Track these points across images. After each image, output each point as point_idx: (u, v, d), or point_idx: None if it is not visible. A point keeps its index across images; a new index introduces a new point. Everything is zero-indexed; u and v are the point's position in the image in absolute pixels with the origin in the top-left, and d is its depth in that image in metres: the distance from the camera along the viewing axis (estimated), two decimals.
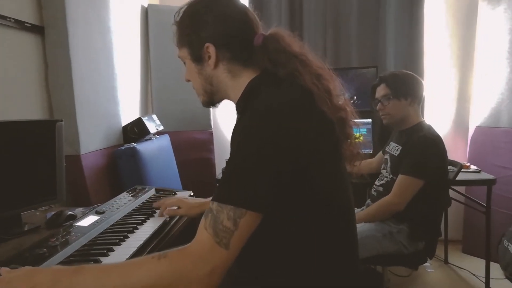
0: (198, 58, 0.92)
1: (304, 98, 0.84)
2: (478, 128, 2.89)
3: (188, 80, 1.00)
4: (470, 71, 2.97)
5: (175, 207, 1.32)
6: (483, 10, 2.83)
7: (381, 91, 1.90)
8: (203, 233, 0.74)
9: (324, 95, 0.85)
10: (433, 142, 1.74)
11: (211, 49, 0.90)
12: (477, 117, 2.90)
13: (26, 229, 1.26)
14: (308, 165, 0.79)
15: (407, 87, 1.84)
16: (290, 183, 0.77)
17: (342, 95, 0.93)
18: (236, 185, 0.75)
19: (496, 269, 2.28)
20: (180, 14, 0.94)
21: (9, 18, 1.55)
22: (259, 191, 0.74)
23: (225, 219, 0.73)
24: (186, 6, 0.94)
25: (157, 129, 2.47)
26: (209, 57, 0.91)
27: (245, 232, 0.74)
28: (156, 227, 1.17)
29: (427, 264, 1.90)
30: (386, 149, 2.00)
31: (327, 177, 0.84)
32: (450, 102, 3.05)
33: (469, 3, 2.92)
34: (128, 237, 1.08)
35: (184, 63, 0.98)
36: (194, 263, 0.72)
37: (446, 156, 1.79)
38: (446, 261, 2.79)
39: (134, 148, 2.07)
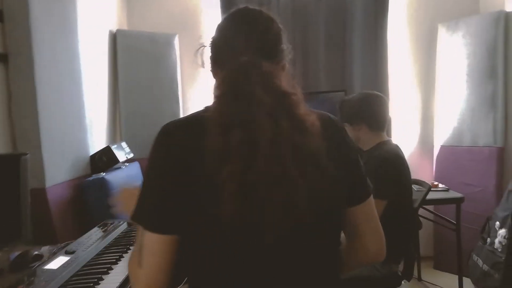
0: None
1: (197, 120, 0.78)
2: (443, 147, 3.01)
3: None
4: (432, 93, 3.11)
5: None
6: (443, 36, 2.99)
7: (337, 114, 1.92)
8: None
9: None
10: (386, 160, 1.71)
11: None
12: (441, 137, 3.02)
13: None
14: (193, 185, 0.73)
15: (356, 114, 1.82)
16: (181, 203, 0.71)
17: None
18: (138, 204, 0.75)
19: (467, 284, 2.33)
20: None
21: None
22: (148, 211, 0.74)
23: (138, 237, 0.74)
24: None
25: (127, 157, 2.39)
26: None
27: (151, 250, 0.72)
28: None
29: None
30: None
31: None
32: (414, 122, 3.17)
33: (430, 30, 3.09)
34: (103, 279, 1.02)
35: None
36: (134, 284, 0.75)
37: (404, 173, 1.77)
38: (419, 279, 2.83)
39: (102, 178, 1.98)
